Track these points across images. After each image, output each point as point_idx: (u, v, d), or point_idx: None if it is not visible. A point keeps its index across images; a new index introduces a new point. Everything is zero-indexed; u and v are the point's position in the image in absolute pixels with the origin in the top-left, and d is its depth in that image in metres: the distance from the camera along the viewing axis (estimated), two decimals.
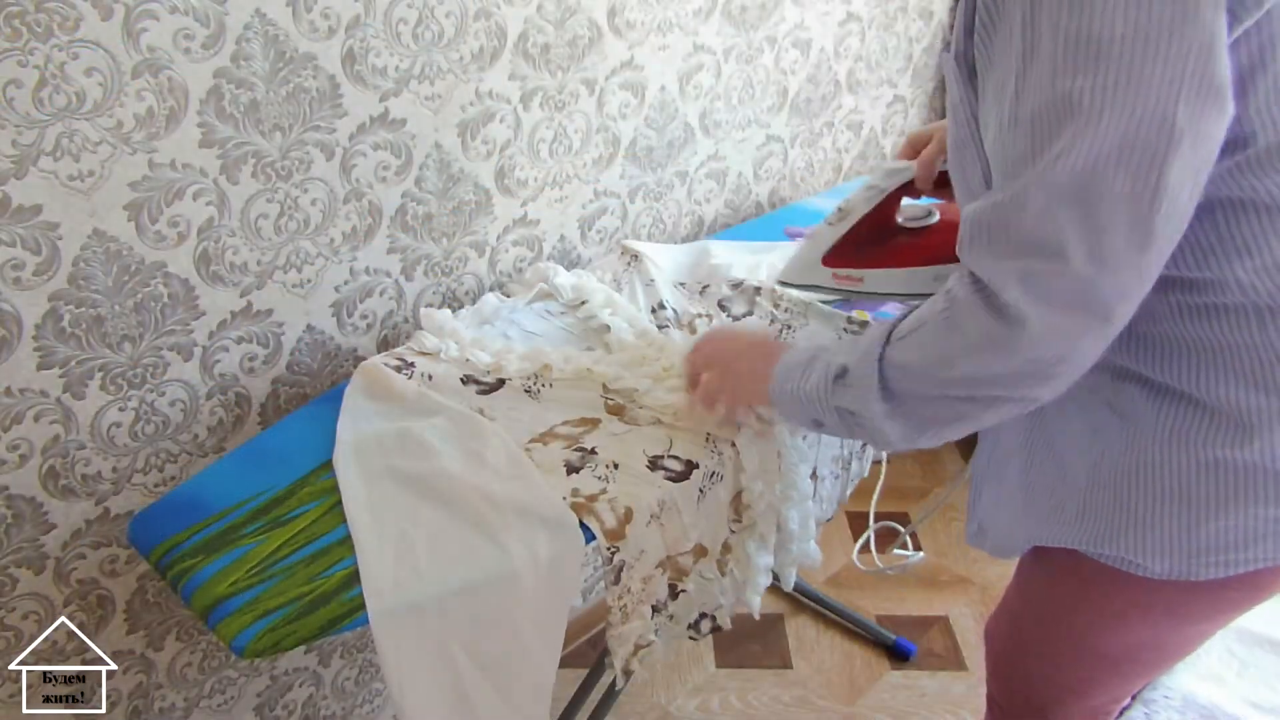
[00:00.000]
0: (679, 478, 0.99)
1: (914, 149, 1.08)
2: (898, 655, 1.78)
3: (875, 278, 1.14)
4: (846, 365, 0.80)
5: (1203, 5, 0.61)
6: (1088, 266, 0.65)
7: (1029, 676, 1.01)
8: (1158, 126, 0.62)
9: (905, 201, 1.13)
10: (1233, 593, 0.83)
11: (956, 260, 0.97)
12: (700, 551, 1.03)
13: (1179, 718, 1.14)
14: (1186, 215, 0.66)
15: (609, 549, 0.92)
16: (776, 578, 1.16)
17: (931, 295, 0.96)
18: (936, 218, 1.14)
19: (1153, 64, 0.61)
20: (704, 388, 0.99)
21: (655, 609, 1.02)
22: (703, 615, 1.10)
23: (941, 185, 1.06)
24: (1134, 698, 1.18)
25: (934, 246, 1.13)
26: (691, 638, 1.10)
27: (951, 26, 0.79)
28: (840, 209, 1.13)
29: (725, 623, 1.11)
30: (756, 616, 1.14)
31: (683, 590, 1.04)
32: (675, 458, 1.01)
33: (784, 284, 1.21)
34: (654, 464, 1.00)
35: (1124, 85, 0.62)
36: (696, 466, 1.00)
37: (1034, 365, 0.70)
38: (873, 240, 1.13)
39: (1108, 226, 0.64)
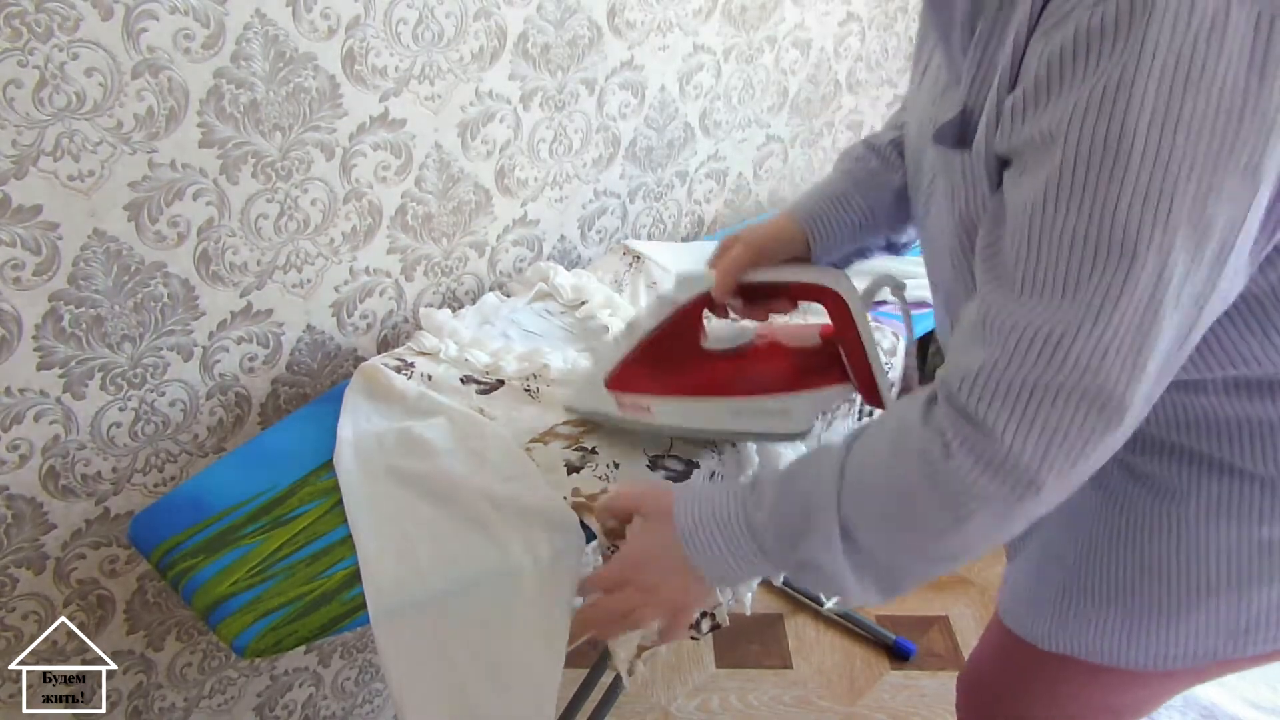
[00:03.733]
0: (679, 477, 0.98)
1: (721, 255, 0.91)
2: (897, 655, 1.78)
3: (666, 408, 0.95)
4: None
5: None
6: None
7: None
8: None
9: (720, 321, 0.97)
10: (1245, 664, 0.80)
11: (758, 393, 0.90)
12: None
13: (1180, 717, 1.14)
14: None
15: (609, 549, 0.92)
16: None
17: (724, 432, 0.92)
18: (748, 339, 0.96)
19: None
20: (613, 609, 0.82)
21: None
22: (703, 614, 1.10)
23: (749, 300, 0.90)
24: None
25: (734, 376, 0.95)
26: (693, 637, 1.09)
27: (970, 109, 0.67)
28: (629, 323, 0.96)
29: (724, 619, 1.11)
30: (748, 613, 1.14)
31: None
32: (675, 457, 1.01)
33: (569, 410, 1.02)
34: (654, 463, 1.00)
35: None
36: (697, 466, 1.00)
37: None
38: (667, 362, 0.94)
39: None
